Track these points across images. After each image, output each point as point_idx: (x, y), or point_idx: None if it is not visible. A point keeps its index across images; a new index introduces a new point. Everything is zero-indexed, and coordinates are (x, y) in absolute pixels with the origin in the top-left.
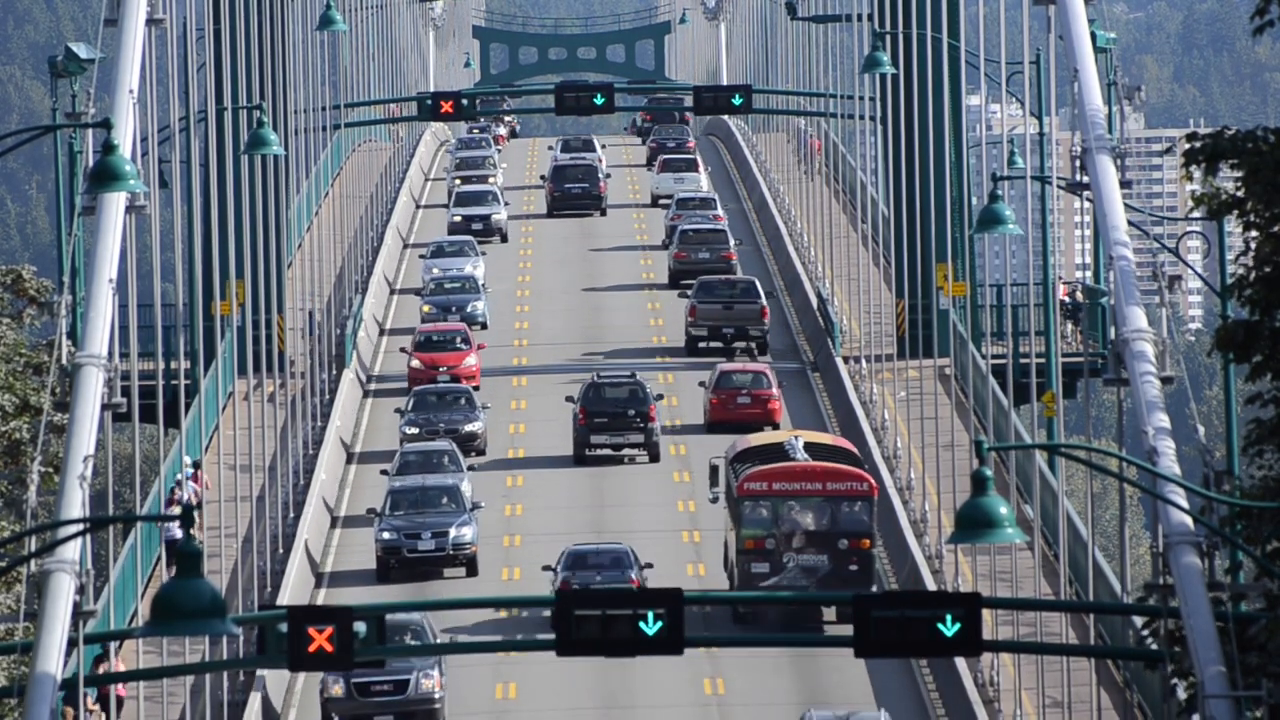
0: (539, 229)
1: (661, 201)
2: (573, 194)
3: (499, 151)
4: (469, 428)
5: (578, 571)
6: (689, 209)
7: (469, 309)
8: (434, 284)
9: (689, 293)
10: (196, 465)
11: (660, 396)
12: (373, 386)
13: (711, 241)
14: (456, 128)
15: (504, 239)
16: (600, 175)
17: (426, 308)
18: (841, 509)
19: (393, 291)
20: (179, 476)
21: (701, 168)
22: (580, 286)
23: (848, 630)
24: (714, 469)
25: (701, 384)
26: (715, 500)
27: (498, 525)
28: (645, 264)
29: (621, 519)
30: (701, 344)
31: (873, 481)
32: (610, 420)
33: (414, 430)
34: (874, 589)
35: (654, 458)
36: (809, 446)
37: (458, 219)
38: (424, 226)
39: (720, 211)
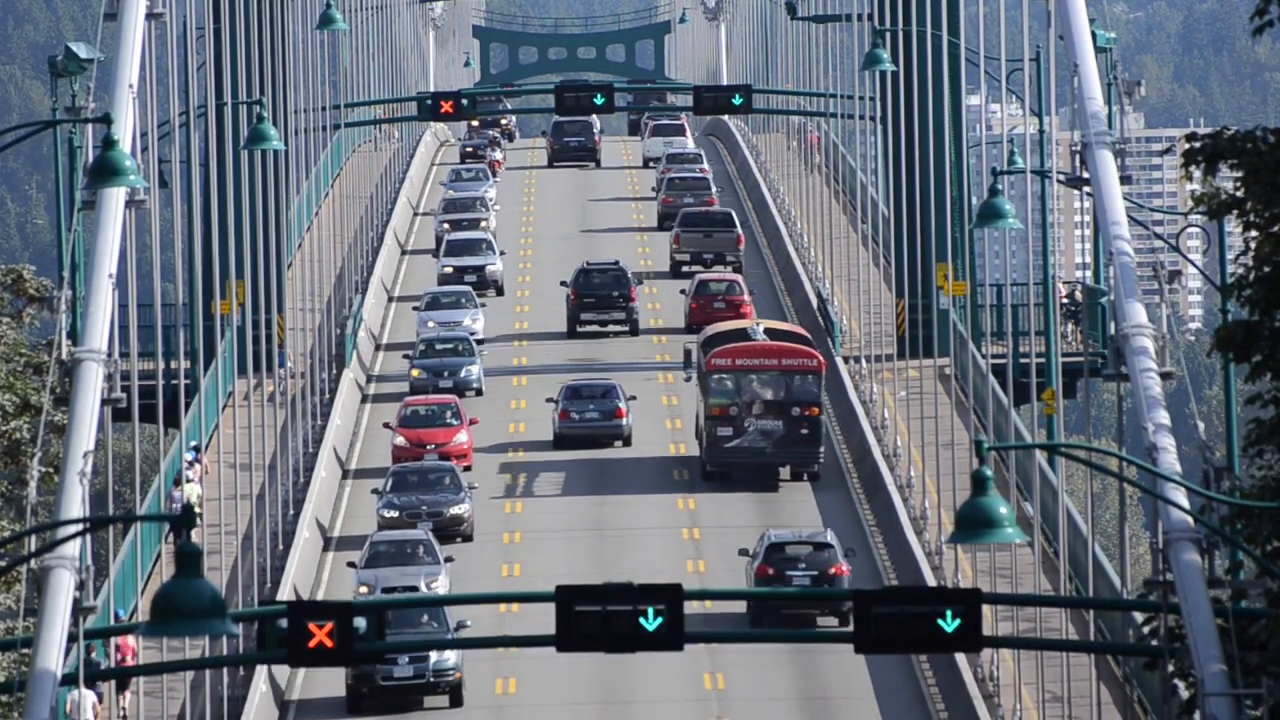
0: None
1: (651, 163)
2: (570, 146)
3: (496, 183)
4: (453, 510)
5: (574, 402)
6: (677, 163)
7: (462, 374)
8: (424, 344)
9: (673, 223)
10: (196, 449)
11: (641, 280)
12: (353, 466)
13: (695, 188)
14: (456, 128)
15: (499, 292)
16: (595, 131)
17: (415, 372)
18: (794, 381)
19: (378, 347)
20: (186, 457)
21: (688, 132)
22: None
23: (848, 627)
24: (687, 352)
25: (682, 291)
26: (689, 380)
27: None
28: (637, 214)
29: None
30: (685, 268)
31: (821, 358)
32: (597, 300)
33: (392, 514)
34: (821, 450)
35: (634, 332)
36: (768, 331)
37: (448, 270)
38: (410, 274)
39: (705, 166)
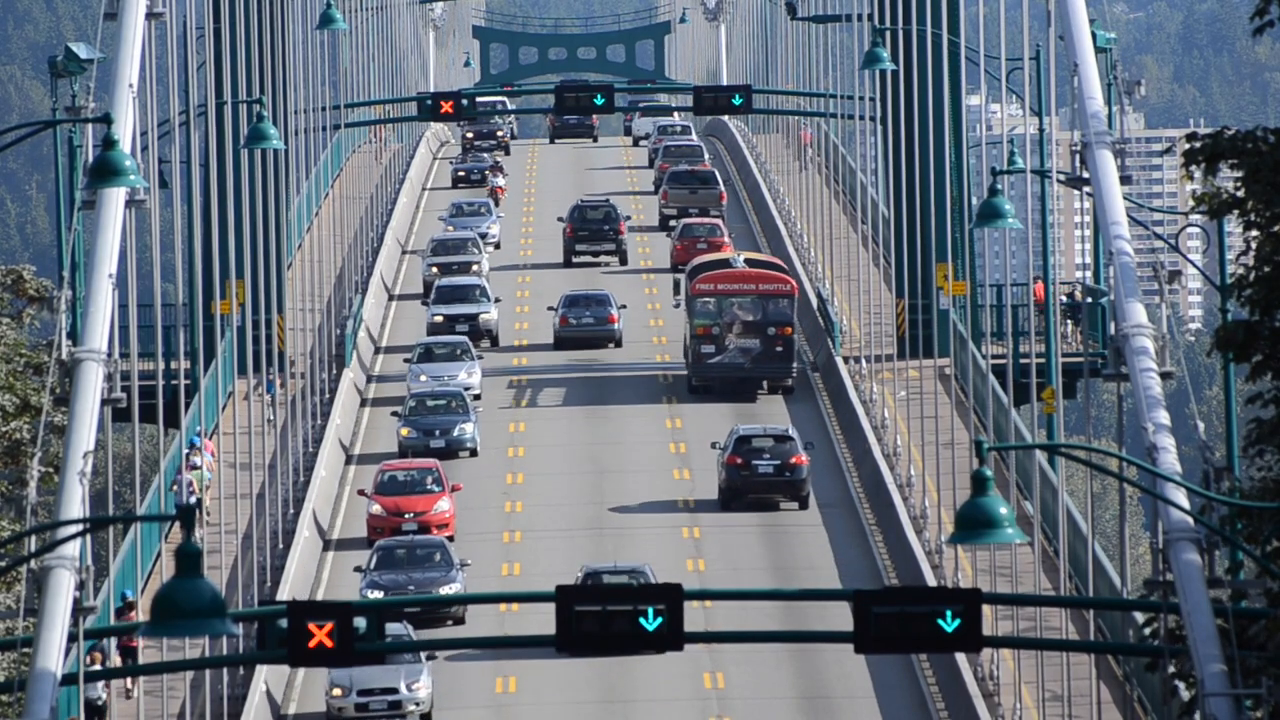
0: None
1: (640, 142)
2: (570, 124)
3: (500, 218)
4: (445, 590)
5: (572, 309)
6: (669, 135)
7: (455, 433)
8: (414, 401)
9: (663, 181)
10: (201, 433)
11: (629, 217)
12: (334, 536)
13: (689, 155)
14: (456, 130)
15: (494, 342)
16: None
17: (405, 431)
18: (770, 304)
19: (364, 403)
20: (194, 443)
21: (675, 114)
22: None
23: (849, 626)
24: (676, 282)
25: (669, 235)
26: (678, 306)
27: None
28: (631, 179)
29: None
30: (671, 222)
31: (794, 283)
32: (590, 233)
33: (377, 595)
34: (794, 365)
35: (623, 261)
36: (748, 261)
37: (438, 319)
38: (400, 321)
39: (694, 136)
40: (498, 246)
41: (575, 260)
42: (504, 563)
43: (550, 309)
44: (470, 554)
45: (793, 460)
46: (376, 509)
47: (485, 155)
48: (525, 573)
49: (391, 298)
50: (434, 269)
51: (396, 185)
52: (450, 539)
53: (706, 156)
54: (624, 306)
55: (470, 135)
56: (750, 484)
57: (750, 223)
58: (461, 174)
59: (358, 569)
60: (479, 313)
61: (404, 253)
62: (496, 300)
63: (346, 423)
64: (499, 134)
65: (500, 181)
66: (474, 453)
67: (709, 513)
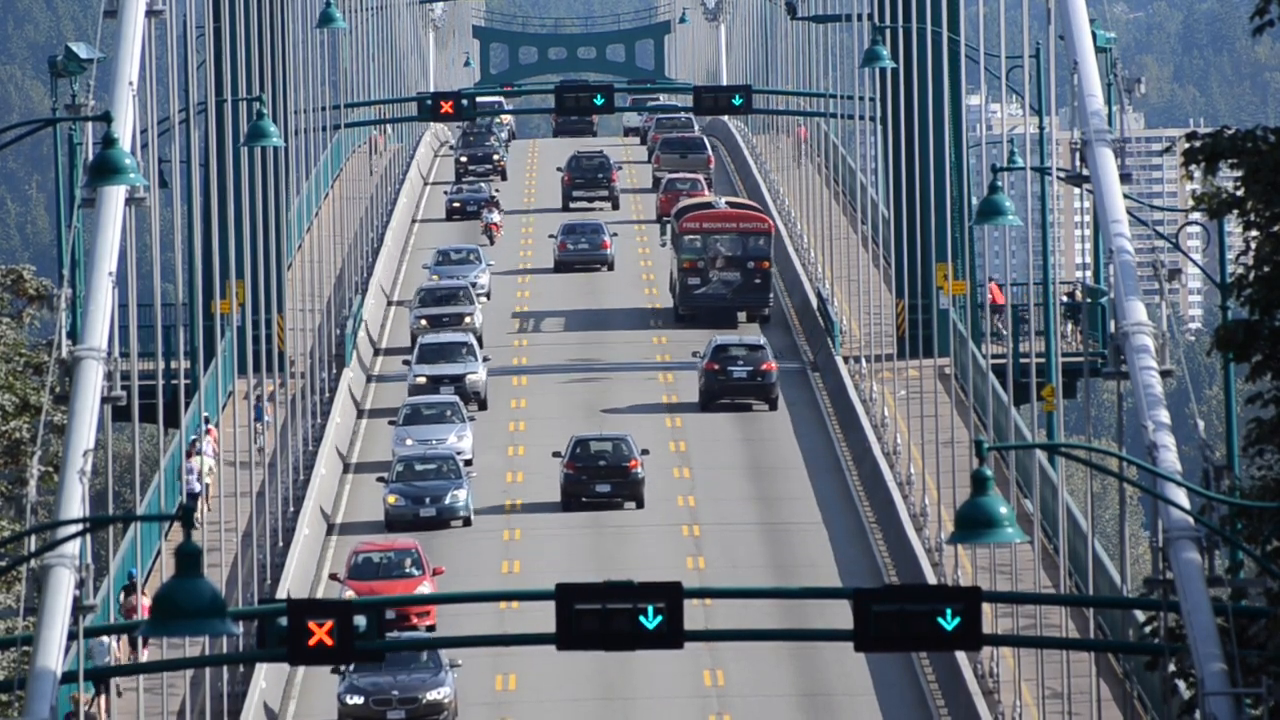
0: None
1: (630, 132)
2: (572, 121)
3: (490, 266)
4: (432, 695)
5: (570, 236)
6: (659, 112)
7: (447, 500)
8: (402, 465)
9: (655, 148)
10: (206, 419)
11: (621, 166)
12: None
13: (681, 127)
14: (455, 136)
15: (483, 406)
16: None
17: (391, 498)
18: (749, 241)
19: (346, 469)
20: (196, 435)
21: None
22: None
23: (849, 624)
24: (664, 224)
25: (655, 190)
26: (664, 245)
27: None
28: (627, 153)
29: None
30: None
31: (771, 222)
32: (586, 181)
33: (357, 700)
34: (770, 296)
35: (615, 206)
36: (729, 203)
37: (420, 380)
38: (382, 386)
39: (684, 116)
40: (489, 296)
41: (572, 206)
42: (504, 560)
43: (551, 236)
44: (470, 549)
45: (763, 366)
46: (350, 595)
47: (482, 185)
48: (525, 570)
49: (377, 352)
50: (422, 321)
51: (396, 187)
52: (431, 628)
53: (696, 128)
54: (615, 234)
55: (464, 159)
56: (726, 387)
57: (720, 155)
58: (456, 205)
59: (336, 670)
60: (465, 373)
61: (390, 303)
62: (485, 359)
63: (346, 421)
64: (494, 157)
65: (496, 218)
66: (467, 522)
67: (690, 413)
